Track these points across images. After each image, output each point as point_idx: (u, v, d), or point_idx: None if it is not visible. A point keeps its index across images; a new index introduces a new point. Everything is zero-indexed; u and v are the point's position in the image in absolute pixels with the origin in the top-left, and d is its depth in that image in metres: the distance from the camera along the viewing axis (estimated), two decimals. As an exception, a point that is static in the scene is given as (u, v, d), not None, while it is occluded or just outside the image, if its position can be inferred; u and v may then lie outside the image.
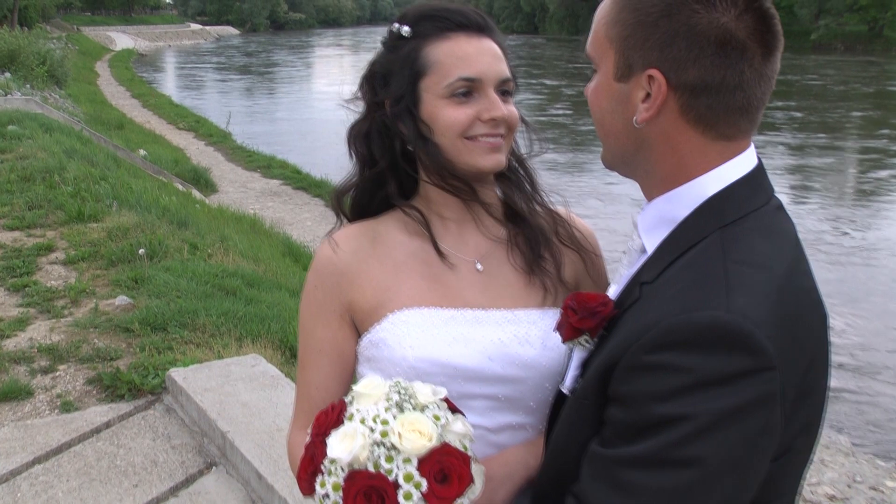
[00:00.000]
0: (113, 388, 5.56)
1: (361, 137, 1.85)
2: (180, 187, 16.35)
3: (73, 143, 14.89)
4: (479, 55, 1.74)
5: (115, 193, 10.85)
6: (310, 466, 1.47)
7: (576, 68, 49.97)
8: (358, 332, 1.83)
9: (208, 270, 8.01)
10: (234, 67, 61.60)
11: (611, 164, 1.54)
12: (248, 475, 4.66)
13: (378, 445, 1.41)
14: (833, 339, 1.46)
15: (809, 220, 15.95)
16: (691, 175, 1.41)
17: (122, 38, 79.83)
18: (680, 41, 1.35)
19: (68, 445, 4.94)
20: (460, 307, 1.79)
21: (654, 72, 1.37)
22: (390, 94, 1.79)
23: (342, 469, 1.42)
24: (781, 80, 1.50)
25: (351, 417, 1.46)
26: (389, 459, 1.40)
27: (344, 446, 1.41)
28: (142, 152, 19.74)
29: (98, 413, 5.29)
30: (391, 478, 1.39)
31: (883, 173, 21.21)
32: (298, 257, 12.38)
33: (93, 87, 39.24)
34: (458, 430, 1.47)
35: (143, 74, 51.73)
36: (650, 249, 1.45)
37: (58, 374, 5.81)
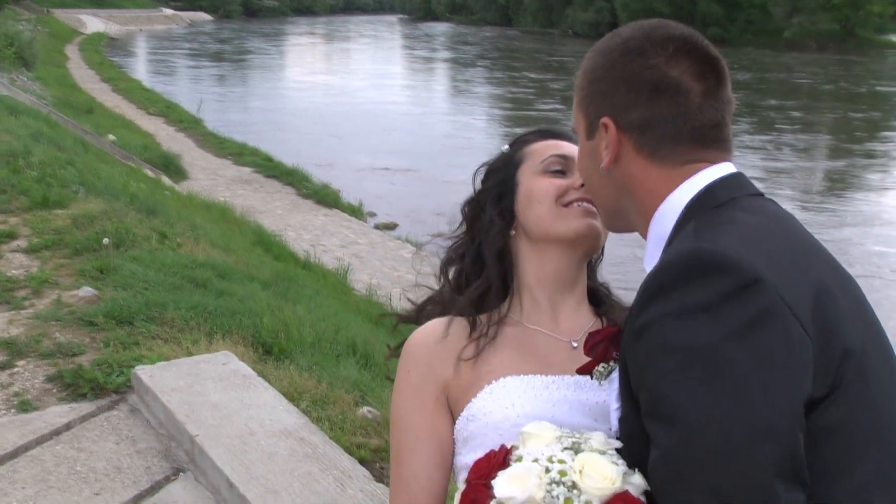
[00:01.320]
0: (74, 386, 5.23)
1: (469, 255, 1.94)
2: (150, 173, 16.00)
3: (41, 126, 14.50)
4: (570, 146, 1.88)
5: (82, 179, 10.49)
6: None
7: (557, 62, 49.77)
8: (454, 417, 1.79)
9: (177, 261, 7.68)
10: (206, 54, 60.86)
11: (608, 223, 1.71)
12: (219, 483, 4.37)
13: (557, 484, 1.39)
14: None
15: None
16: (665, 196, 1.52)
17: (93, 22, 78.62)
18: (621, 88, 1.54)
19: (25, 449, 4.61)
20: (558, 374, 1.77)
21: (605, 119, 1.55)
22: (489, 192, 1.93)
23: None
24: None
25: (520, 459, 1.45)
26: (569, 501, 1.37)
27: (516, 486, 1.39)
28: (111, 137, 19.33)
29: (58, 413, 4.96)
30: None
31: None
32: (269, 247, 12.11)
33: (62, 71, 38.54)
34: (637, 483, 1.41)
35: (113, 58, 50.93)
36: (649, 269, 1.49)
37: (16, 370, 5.48)
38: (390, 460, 1.82)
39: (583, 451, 1.43)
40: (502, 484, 1.42)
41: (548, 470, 1.41)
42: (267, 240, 12.52)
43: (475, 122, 29.05)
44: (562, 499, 1.37)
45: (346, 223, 15.66)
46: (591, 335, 1.63)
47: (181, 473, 4.55)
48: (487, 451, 1.60)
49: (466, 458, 1.71)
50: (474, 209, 1.95)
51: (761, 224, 1.43)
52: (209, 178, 18.71)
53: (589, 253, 1.90)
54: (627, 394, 1.43)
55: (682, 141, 1.51)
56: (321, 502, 4.13)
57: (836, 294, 1.38)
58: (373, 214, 16.88)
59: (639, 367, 1.36)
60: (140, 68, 49.30)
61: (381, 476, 4.53)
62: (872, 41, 54.25)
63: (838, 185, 20.33)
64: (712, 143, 1.52)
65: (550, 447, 1.44)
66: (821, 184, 20.27)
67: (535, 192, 1.85)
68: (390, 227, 15.84)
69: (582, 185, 1.78)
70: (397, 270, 12.40)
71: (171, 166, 18.74)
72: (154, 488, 4.40)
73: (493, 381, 1.75)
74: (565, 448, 1.44)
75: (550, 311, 1.87)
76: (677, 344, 1.30)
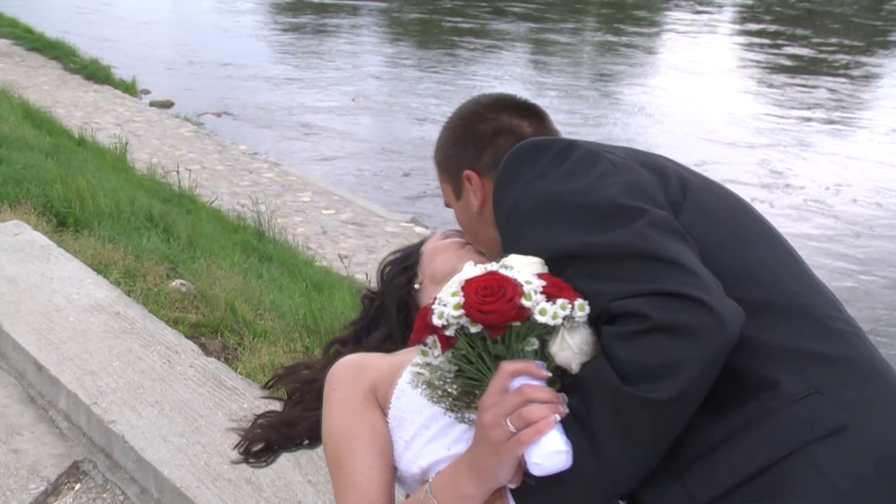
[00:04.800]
0: None
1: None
2: None
3: None
4: None
5: None
6: (422, 322, 1.46)
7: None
8: (385, 412, 1.79)
9: (-59, 127, 6.77)
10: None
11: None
12: (24, 366, 3.82)
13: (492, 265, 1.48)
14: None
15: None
16: None
17: None
18: (469, 145, 1.89)
19: None
20: None
21: (466, 173, 1.88)
22: (393, 266, 2.17)
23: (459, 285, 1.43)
24: None
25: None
26: (505, 267, 1.46)
27: (455, 280, 1.46)
28: None
29: None
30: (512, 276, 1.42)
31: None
32: (39, 122, 11.02)
33: None
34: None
35: None
36: None
37: None
38: (331, 475, 1.80)
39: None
40: (447, 288, 1.46)
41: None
42: (35, 115, 11.38)
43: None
44: (502, 270, 1.45)
45: (120, 100, 14.53)
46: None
47: (-24, 357, 3.96)
48: (422, 419, 1.68)
49: (405, 434, 1.73)
50: (375, 292, 2.16)
51: None
52: (-43, 49, 16.93)
53: None
54: None
55: None
56: (147, 381, 3.67)
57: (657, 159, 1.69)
58: (147, 92, 15.79)
59: (514, 237, 1.60)
60: None
61: (209, 350, 4.10)
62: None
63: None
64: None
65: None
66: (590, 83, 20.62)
67: (441, 245, 2.07)
68: (167, 104, 14.82)
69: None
70: (178, 149, 11.63)
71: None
72: (-56, 375, 3.80)
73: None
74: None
75: None
76: (532, 204, 1.57)
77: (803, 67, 19.78)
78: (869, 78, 19.65)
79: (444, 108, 13.88)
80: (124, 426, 3.35)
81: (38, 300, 4.15)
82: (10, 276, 4.32)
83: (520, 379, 1.39)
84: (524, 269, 1.46)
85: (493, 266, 1.47)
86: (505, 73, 17.67)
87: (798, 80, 18.34)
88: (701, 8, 27.44)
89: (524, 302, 1.38)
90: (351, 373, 1.86)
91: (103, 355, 3.81)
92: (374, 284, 2.22)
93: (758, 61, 20.71)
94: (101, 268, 4.68)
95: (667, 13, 27.33)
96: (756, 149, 13.59)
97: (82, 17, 22.34)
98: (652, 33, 23.91)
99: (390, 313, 2.09)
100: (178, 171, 9.18)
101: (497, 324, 1.38)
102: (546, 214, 1.54)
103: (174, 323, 4.35)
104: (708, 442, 1.38)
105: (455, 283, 1.45)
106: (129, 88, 15.57)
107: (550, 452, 1.35)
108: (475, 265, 1.50)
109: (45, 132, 10.35)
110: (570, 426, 1.37)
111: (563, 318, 1.39)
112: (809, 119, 15.78)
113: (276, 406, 2.17)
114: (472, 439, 1.48)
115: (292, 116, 13.63)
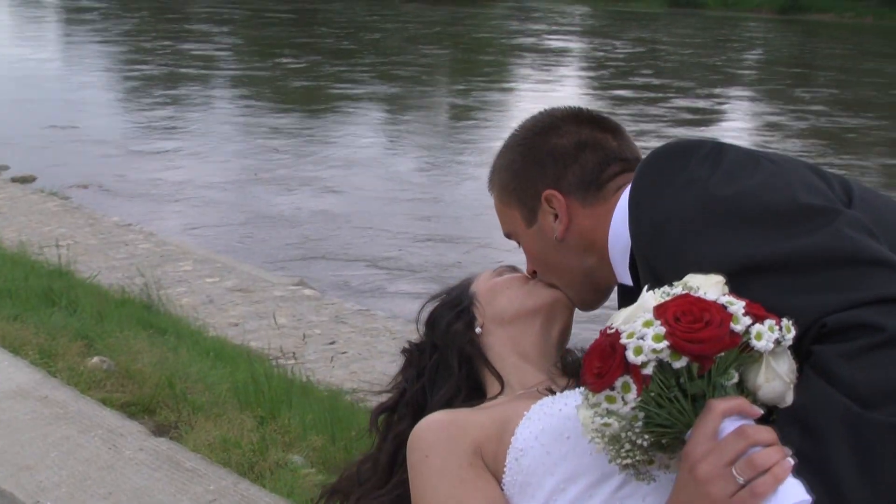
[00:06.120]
0: None
1: None
2: None
3: None
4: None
5: None
6: (609, 362, 1.22)
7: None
8: (498, 478, 1.53)
9: None
10: None
11: (581, 297, 1.75)
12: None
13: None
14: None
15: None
16: (610, 220, 1.60)
17: None
18: (548, 162, 1.66)
19: None
20: None
21: (547, 193, 1.65)
22: (442, 310, 1.89)
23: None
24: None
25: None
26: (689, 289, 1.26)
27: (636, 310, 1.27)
28: None
29: None
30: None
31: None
32: None
33: None
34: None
35: None
36: (626, 280, 1.59)
37: None
38: None
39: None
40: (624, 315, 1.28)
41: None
42: None
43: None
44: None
45: (-24, 179, 13.79)
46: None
47: None
48: (556, 482, 1.45)
49: (533, 502, 1.47)
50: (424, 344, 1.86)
51: None
52: None
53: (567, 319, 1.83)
54: None
55: (614, 174, 1.64)
56: (94, 471, 3.30)
57: None
58: (6, 167, 15.02)
59: (670, 253, 1.40)
60: None
61: (158, 430, 3.73)
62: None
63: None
64: (637, 164, 1.59)
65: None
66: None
67: (499, 282, 1.82)
68: (28, 179, 14.12)
69: (534, 273, 1.79)
70: (47, 225, 11.03)
71: None
72: None
73: (526, 413, 1.54)
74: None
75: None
76: (692, 212, 1.39)
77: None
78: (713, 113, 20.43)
79: (320, 173, 13.74)
80: (83, 523, 2.98)
81: (-49, 389, 3.72)
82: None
83: (730, 420, 1.18)
84: (710, 289, 1.26)
85: (676, 290, 1.27)
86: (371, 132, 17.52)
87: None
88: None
89: (734, 326, 1.19)
90: (445, 434, 1.58)
91: (37, 446, 3.46)
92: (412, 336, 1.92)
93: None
94: (14, 348, 4.25)
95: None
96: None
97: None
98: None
99: (452, 368, 1.80)
100: (57, 246, 8.67)
101: (710, 354, 1.18)
102: (713, 223, 1.35)
103: (104, 404, 3.98)
104: None
105: (641, 312, 1.24)
106: (-16, 166, 14.80)
107: None
108: (651, 291, 1.29)
109: None
110: (798, 470, 1.17)
111: (774, 343, 1.20)
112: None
113: None
114: (672, 498, 1.24)
115: (163, 186, 13.14)
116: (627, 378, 1.21)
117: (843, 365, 1.18)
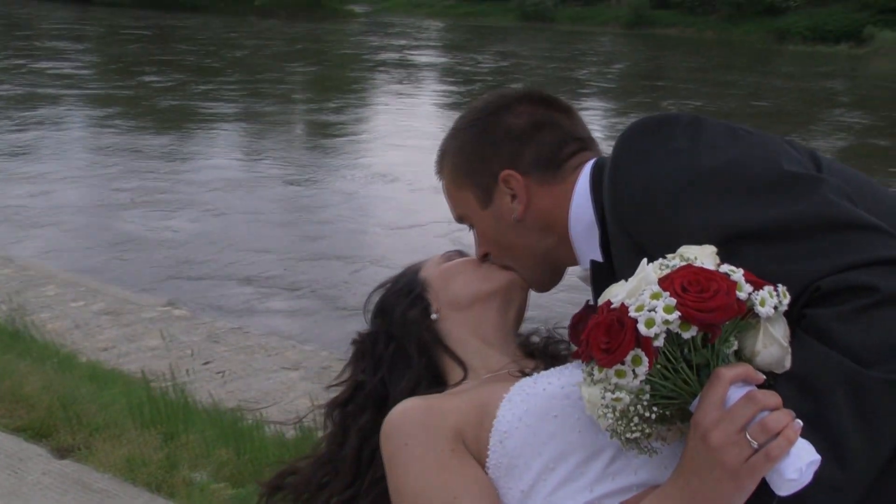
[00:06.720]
0: None
1: None
2: None
3: None
4: None
5: None
6: (620, 337, 1.22)
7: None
8: (481, 461, 1.50)
9: None
10: None
11: (538, 279, 1.74)
12: None
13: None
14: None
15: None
16: (570, 199, 1.60)
17: None
18: (504, 142, 1.64)
19: None
20: None
21: (505, 173, 1.63)
22: (391, 298, 1.85)
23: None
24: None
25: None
26: (686, 260, 1.28)
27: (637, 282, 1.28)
28: None
29: None
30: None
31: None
32: None
33: None
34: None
35: None
36: (595, 256, 1.57)
37: None
38: None
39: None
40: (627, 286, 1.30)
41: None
42: None
43: None
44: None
45: None
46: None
47: None
48: (544, 461, 1.43)
49: (520, 484, 1.45)
50: (378, 333, 1.80)
51: None
52: None
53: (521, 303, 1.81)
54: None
55: (571, 153, 1.64)
56: (-2, 498, 3.19)
57: None
58: None
59: (656, 225, 1.41)
60: None
61: (60, 453, 3.62)
62: (338, 10, 57.34)
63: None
64: (591, 143, 1.69)
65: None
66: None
67: (450, 267, 1.80)
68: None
69: (485, 256, 1.75)
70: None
71: None
72: None
73: (506, 393, 1.51)
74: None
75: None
76: (677, 183, 1.39)
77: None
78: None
79: (198, 196, 13.43)
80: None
81: None
82: None
83: (736, 387, 1.20)
84: (706, 259, 1.28)
85: (675, 261, 1.28)
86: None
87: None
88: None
89: (739, 294, 1.21)
90: (422, 421, 1.52)
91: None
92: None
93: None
94: None
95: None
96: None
97: None
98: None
99: (411, 356, 1.73)
100: None
101: (720, 322, 1.20)
102: (699, 194, 1.36)
103: (-5, 428, 3.85)
104: None
105: (645, 285, 1.26)
106: None
107: (806, 464, 1.16)
108: (651, 264, 1.30)
109: None
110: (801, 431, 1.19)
111: (773, 308, 1.22)
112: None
113: None
114: (683, 468, 1.25)
115: (26, 211, 12.62)
116: (639, 351, 1.21)
117: (839, 326, 1.21)
